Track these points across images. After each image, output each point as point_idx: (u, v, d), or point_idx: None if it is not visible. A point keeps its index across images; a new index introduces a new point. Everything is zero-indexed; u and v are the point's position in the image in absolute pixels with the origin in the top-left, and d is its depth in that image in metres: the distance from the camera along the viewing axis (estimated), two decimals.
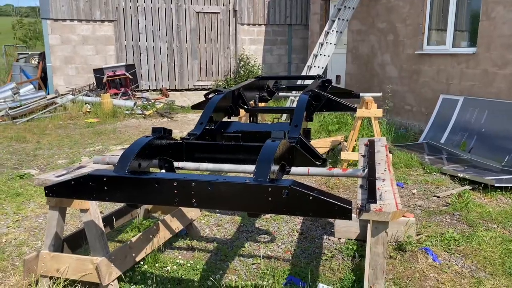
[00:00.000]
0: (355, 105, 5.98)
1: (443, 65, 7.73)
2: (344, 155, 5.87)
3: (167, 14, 12.01)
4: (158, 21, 11.97)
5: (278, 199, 2.02)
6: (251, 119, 4.45)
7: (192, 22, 12.32)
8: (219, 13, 12.56)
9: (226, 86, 12.69)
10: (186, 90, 12.54)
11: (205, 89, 12.66)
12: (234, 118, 4.37)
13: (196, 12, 12.31)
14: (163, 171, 2.83)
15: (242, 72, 12.68)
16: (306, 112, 3.66)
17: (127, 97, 11.07)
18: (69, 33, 11.14)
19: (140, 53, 11.96)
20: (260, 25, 13.03)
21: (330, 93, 5.18)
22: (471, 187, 5.01)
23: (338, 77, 11.38)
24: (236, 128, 3.61)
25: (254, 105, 5.06)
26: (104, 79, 10.80)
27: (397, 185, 5.32)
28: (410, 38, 8.46)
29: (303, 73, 9.62)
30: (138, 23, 11.78)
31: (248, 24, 12.89)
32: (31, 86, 11.08)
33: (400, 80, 8.77)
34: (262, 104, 5.79)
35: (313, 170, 2.71)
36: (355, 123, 5.96)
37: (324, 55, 9.44)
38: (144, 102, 10.92)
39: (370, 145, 3.27)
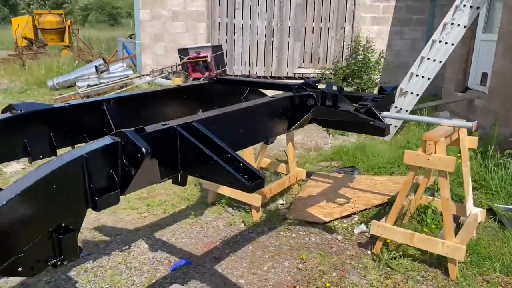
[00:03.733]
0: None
1: None
2: (376, 228, 3.26)
3: None
4: None
5: None
6: None
7: None
8: None
9: (333, 77, 10.20)
10: (285, 78, 10.53)
11: (307, 78, 10.44)
12: None
13: None
14: None
15: (357, 59, 9.97)
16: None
17: None
18: (160, 8, 10.27)
19: (234, 33, 10.40)
20: None
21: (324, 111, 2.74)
22: None
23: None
24: None
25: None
26: (183, 61, 9.63)
27: None
28: None
29: (413, 68, 6.61)
30: None
31: None
32: (121, 64, 10.68)
33: None
34: None
35: None
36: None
37: (446, 43, 6.26)
38: None
39: None
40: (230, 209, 4.13)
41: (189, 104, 2.91)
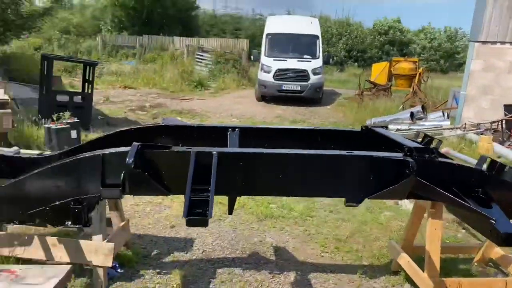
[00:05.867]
0: None
1: None
2: None
3: None
4: None
5: None
6: None
7: None
8: None
9: None
10: None
11: None
12: None
13: None
14: None
15: None
16: None
17: None
18: (495, 59, 9.14)
19: None
20: None
21: None
22: None
23: None
24: None
25: None
26: (506, 117, 8.25)
27: None
28: None
29: None
30: None
31: None
32: (440, 113, 10.19)
33: None
34: None
35: None
36: None
37: None
38: None
39: None
40: (407, 285, 3.52)
41: None
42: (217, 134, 2.76)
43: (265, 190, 2.07)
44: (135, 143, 1.91)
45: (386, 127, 2.96)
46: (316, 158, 2.04)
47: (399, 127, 9.84)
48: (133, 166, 1.83)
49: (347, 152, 2.09)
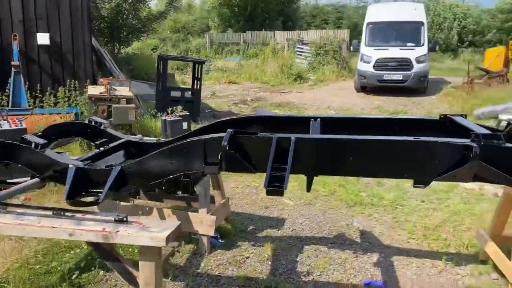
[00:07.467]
0: None
1: None
2: None
3: None
4: None
5: None
6: None
7: None
8: None
9: None
10: None
11: None
12: None
13: None
14: None
15: None
16: None
17: None
18: None
19: None
20: None
21: None
22: None
23: None
24: None
25: None
26: None
27: None
28: None
29: None
30: None
31: None
32: None
33: None
34: None
35: None
36: None
37: None
38: None
39: None
40: (494, 275, 3.52)
41: None
42: (301, 123, 3.10)
43: (336, 171, 2.38)
44: (229, 130, 2.35)
45: (465, 116, 3.01)
46: (384, 143, 2.28)
47: (510, 116, 9.13)
48: (227, 148, 2.27)
49: (414, 138, 2.28)
